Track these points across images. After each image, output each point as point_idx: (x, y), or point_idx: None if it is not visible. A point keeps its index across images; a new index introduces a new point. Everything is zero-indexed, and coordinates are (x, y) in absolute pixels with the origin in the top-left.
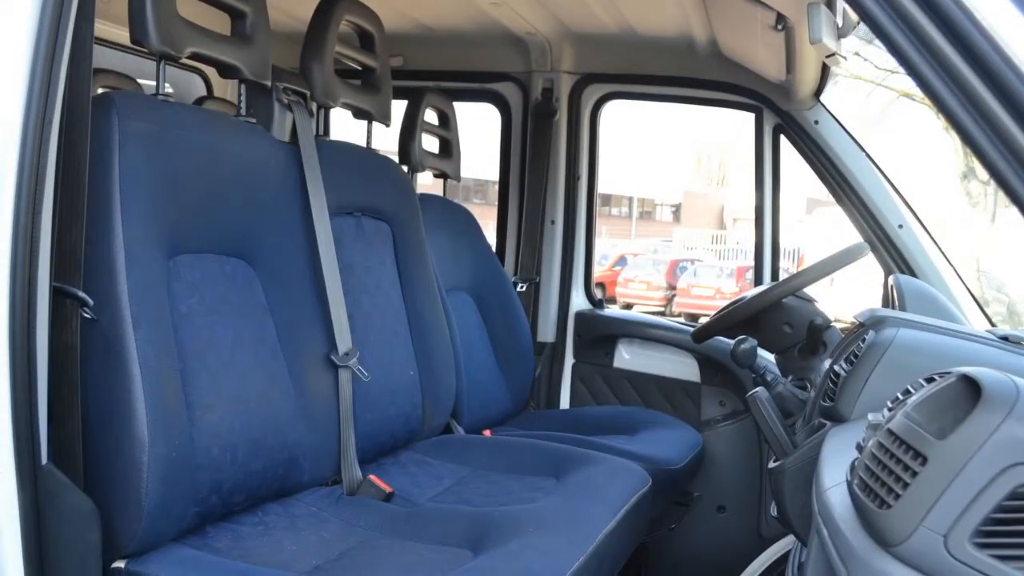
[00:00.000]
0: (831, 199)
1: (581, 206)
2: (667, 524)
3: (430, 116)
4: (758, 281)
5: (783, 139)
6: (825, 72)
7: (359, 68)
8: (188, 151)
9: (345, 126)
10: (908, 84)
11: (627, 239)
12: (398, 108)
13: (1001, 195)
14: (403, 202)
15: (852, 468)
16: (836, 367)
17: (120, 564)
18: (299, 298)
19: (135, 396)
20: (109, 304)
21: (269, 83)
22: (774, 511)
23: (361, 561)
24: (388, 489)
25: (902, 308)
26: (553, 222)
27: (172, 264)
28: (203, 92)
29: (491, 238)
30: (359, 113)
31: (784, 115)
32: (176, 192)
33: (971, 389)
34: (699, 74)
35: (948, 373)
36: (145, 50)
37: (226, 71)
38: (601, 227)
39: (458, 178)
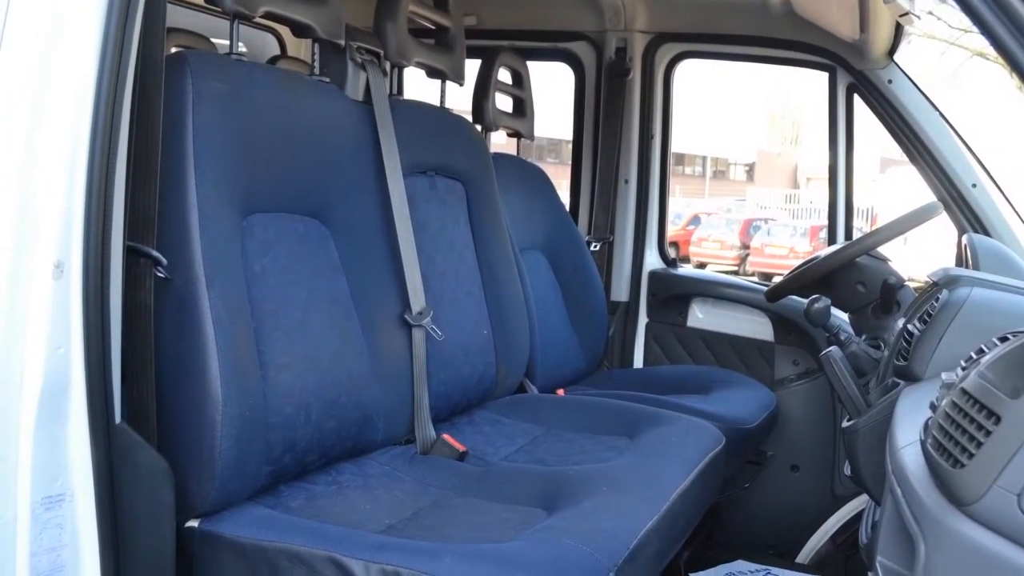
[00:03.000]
0: (905, 158)
1: (655, 165)
2: (740, 483)
3: (503, 75)
4: (832, 240)
5: (856, 98)
6: (899, 31)
7: (432, 27)
8: (262, 110)
9: (419, 86)
10: (982, 43)
11: (701, 198)
12: (471, 67)
13: None
14: (477, 161)
15: (926, 427)
16: (910, 326)
17: (194, 523)
18: (373, 257)
19: (208, 355)
20: (183, 263)
21: (343, 42)
22: (848, 470)
23: (435, 520)
24: (462, 448)
25: (976, 267)
26: (627, 181)
27: (246, 223)
28: (276, 51)
29: (564, 197)
30: (433, 72)
31: (858, 74)
32: (250, 151)
33: None
34: (772, 33)
35: (1022, 332)
36: (219, 9)
37: (300, 30)
38: (675, 186)
39: (532, 137)
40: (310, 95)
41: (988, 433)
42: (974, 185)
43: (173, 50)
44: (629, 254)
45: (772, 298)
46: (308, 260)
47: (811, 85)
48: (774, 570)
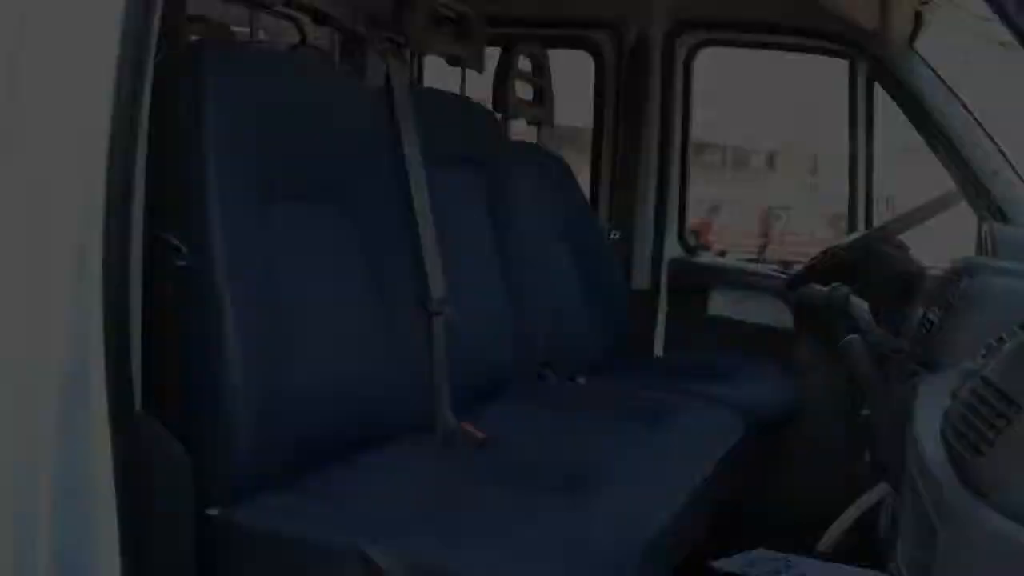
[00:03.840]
0: (925, 146)
1: (675, 153)
2: (760, 471)
3: (524, 64)
4: (852, 228)
5: (876, 86)
6: (919, 19)
7: (453, 15)
8: (281, 99)
9: (438, 74)
10: (1003, 33)
11: (721, 186)
12: (492, 56)
13: None
14: (496, 150)
15: (946, 416)
16: (930, 315)
17: (214, 511)
18: (393, 246)
19: (228, 343)
20: (203, 252)
21: (363, 31)
22: (868, 459)
23: (453, 507)
24: (481, 435)
25: (996, 255)
26: (647, 169)
27: (266, 212)
28: (297, 40)
29: (584, 185)
30: (453, 61)
31: (878, 62)
32: (269, 140)
33: None
34: (792, 21)
35: None
36: None
37: (320, 19)
38: (694, 174)
39: (552, 125)
40: (330, 84)
41: (1009, 422)
42: (995, 173)
43: (193, 38)
44: (649, 242)
45: (792, 286)
46: (328, 248)
47: (831, 73)
48: (794, 558)
